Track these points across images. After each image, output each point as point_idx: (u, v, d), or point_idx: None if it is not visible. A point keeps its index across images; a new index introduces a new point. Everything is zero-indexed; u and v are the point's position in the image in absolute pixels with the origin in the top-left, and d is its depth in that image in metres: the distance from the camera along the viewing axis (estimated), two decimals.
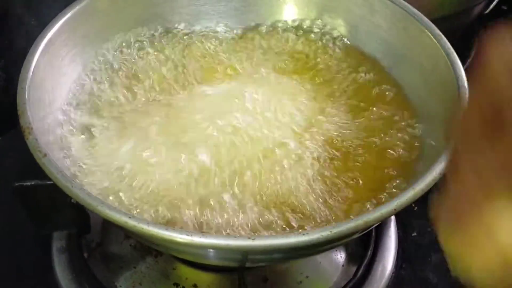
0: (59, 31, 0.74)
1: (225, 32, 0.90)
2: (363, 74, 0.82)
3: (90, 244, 0.83)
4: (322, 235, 0.53)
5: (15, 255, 0.84)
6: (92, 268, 0.80)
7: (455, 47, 0.73)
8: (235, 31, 0.90)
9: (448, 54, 0.71)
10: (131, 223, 0.53)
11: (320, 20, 0.89)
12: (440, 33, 0.74)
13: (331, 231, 0.53)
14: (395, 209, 0.56)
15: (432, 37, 0.74)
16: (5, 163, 0.97)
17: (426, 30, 0.75)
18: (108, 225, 0.84)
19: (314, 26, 0.89)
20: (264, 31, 0.90)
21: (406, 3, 0.78)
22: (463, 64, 0.71)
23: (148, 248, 0.82)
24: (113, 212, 0.54)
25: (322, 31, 0.89)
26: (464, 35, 1.16)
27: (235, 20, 0.90)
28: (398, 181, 0.68)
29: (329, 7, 0.87)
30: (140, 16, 0.86)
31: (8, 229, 0.87)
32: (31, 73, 0.67)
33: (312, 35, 0.89)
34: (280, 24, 0.91)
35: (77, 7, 0.77)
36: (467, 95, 0.66)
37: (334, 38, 0.88)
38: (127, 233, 0.76)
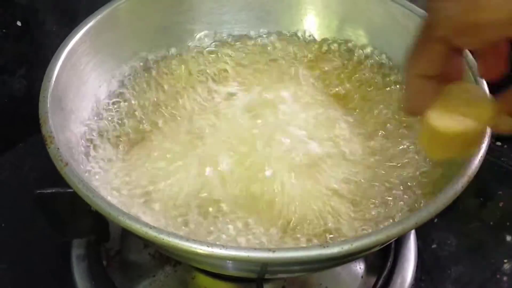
0: (81, 40, 0.74)
1: (247, 41, 0.90)
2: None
3: (109, 252, 0.83)
4: (343, 248, 0.52)
5: (34, 262, 0.84)
6: (111, 276, 0.80)
7: None
8: (256, 40, 0.90)
9: (470, 67, 0.71)
10: (152, 233, 0.53)
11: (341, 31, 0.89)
12: None
13: (352, 244, 0.53)
14: (416, 223, 0.55)
15: None
16: (24, 170, 0.97)
17: None
18: (127, 234, 0.83)
19: (335, 36, 0.89)
20: (285, 40, 0.90)
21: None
22: None
23: (167, 257, 0.81)
24: (133, 222, 0.54)
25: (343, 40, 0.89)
26: None
27: (257, 29, 0.90)
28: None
29: (350, 17, 0.87)
30: (161, 25, 0.86)
31: (27, 236, 0.87)
32: (53, 82, 0.68)
33: (335, 45, 0.89)
34: (300, 34, 0.90)
35: (99, 16, 0.77)
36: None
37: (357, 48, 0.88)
38: (147, 243, 0.76)
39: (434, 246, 0.88)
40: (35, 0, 0.96)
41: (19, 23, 0.95)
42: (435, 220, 0.89)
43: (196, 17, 0.89)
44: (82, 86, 0.75)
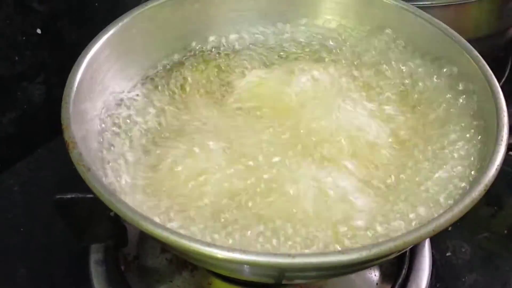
0: (102, 47, 0.75)
1: (264, 49, 0.91)
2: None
3: (127, 257, 0.84)
4: (362, 254, 0.53)
5: (52, 267, 0.85)
6: (129, 281, 0.81)
7: None
8: (273, 49, 0.91)
9: (486, 76, 0.71)
10: (173, 238, 0.54)
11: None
12: (478, 55, 0.74)
13: (370, 251, 0.53)
14: (433, 230, 0.56)
15: (470, 59, 0.74)
16: (43, 175, 0.98)
17: (465, 52, 0.75)
18: (145, 239, 0.84)
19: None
20: (300, 48, 0.91)
21: (445, 25, 0.79)
22: None
23: (184, 262, 0.82)
24: (155, 227, 0.55)
25: None
26: (498, 57, 1.16)
27: (273, 38, 0.91)
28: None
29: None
30: (180, 33, 0.87)
31: (46, 241, 0.88)
32: (75, 88, 0.69)
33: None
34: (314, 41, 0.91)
35: (120, 24, 0.78)
36: (506, 118, 0.66)
37: None
38: (168, 248, 0.76)
39: (448, 254, 0.88)
40: (55, 8, 0.97)
41: (38, 31, 0.97)
42: (449, 228, 0.89)
43: (213, 26, 0.90)
44: (102, 92, 0.76)
